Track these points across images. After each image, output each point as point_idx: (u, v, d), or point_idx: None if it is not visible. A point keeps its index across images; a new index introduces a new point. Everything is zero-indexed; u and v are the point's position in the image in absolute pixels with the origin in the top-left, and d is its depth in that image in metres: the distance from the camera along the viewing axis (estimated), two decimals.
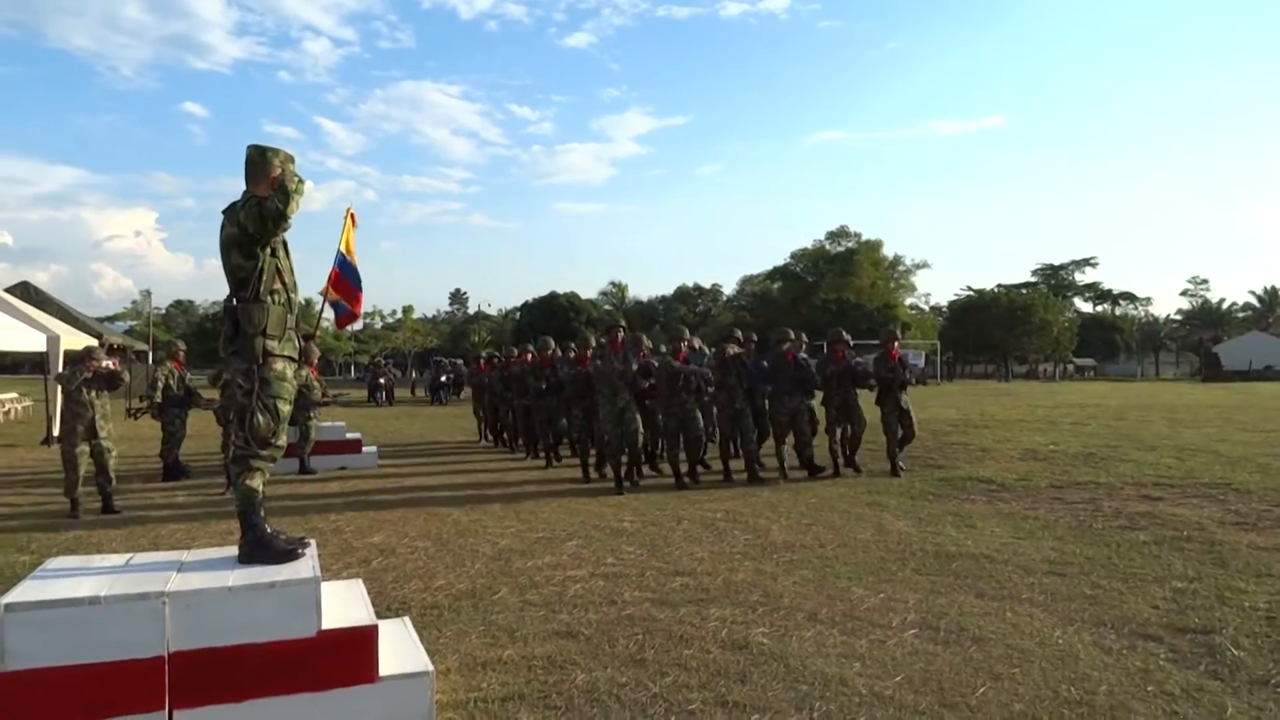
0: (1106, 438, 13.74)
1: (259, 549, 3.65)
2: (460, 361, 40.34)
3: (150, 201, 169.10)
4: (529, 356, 13.37)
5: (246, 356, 3.77)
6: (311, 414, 11.71)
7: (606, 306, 75.18)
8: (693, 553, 6.58)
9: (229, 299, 3.83)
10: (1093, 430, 15.07)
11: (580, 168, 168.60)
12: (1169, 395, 30.64)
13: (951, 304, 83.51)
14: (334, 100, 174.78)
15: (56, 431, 16.27)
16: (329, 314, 9.68)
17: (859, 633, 4.62)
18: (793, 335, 11.19)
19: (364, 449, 12.77)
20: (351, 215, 9.09)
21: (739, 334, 11.31)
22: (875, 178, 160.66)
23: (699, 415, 10.26)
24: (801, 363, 10.84)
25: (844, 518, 7.96)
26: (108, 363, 8.81)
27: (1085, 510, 8.10)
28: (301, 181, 3.83)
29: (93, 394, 8.63)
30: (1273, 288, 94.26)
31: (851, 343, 11.41)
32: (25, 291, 21.75)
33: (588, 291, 74.68)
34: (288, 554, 3.64)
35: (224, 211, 3.84)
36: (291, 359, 3.93)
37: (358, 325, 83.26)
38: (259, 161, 3.85)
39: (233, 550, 3.79)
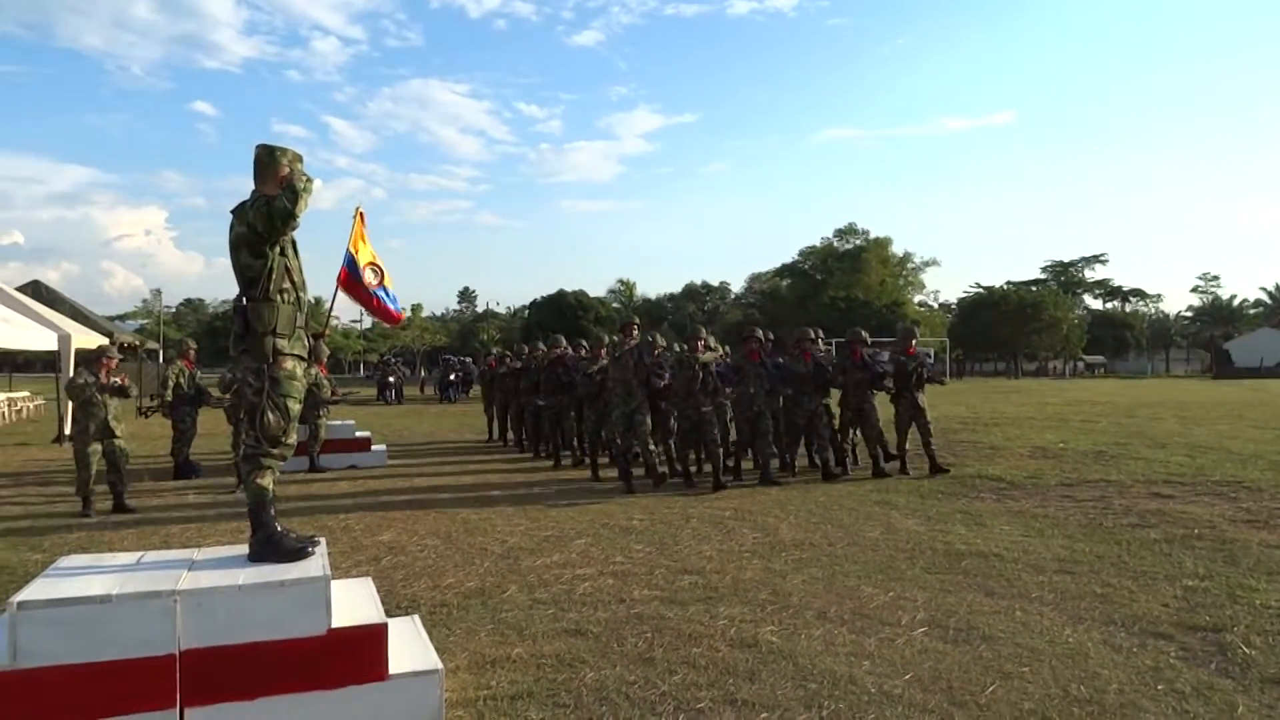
0: (1117, 435, 13.69)
1: (269, 547, 3.66)
2: (469, 360, 40.40)
3: (160, 200, 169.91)
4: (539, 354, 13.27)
5: (257, 355, 3.79)
6: (321, 412, 11.75)
7: (615, 304, 75.08)
8: (701, 551, 6.58)
9: (239, 298, 3.84)
10: (1103, 428, 15.02)
11: (588, 166, 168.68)
12: (1179, 392, 30.51)
13: (960, 301, 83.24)
14: (342, 99, 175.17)
15: (68, 430, 16.39)
16: (336, 310, 9.69)
17: (868, 631, 4.62)
18: (812, 334, 11.05)
19: (373, 447, 12.79)
20: (361, 215, 9.11)
21: (760, 333, 11.02)
22: (884, 175, 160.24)
23: (715, 420, 10.02)
24: (820, 362, 10.69)
25: (853, 516, 7.95)
26: (116, 379, 8.82)
27: (1095, 508, 8.08)
28: (310, 180, 3.84)
29: (105, 394, 8.69)
30: None
31: (870, 341, 11.26)
32: (36, 290, 21.76)
33: (596, 289, 74.61)
34: (298, 552, 3.65)
35: (233, 211, 3.86)
36: (301, 357, 3.94)
37: (364, 322, 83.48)
38: (267, 161, 3.86)
39: (243, 549, 3.81)
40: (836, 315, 53.62)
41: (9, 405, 21.64)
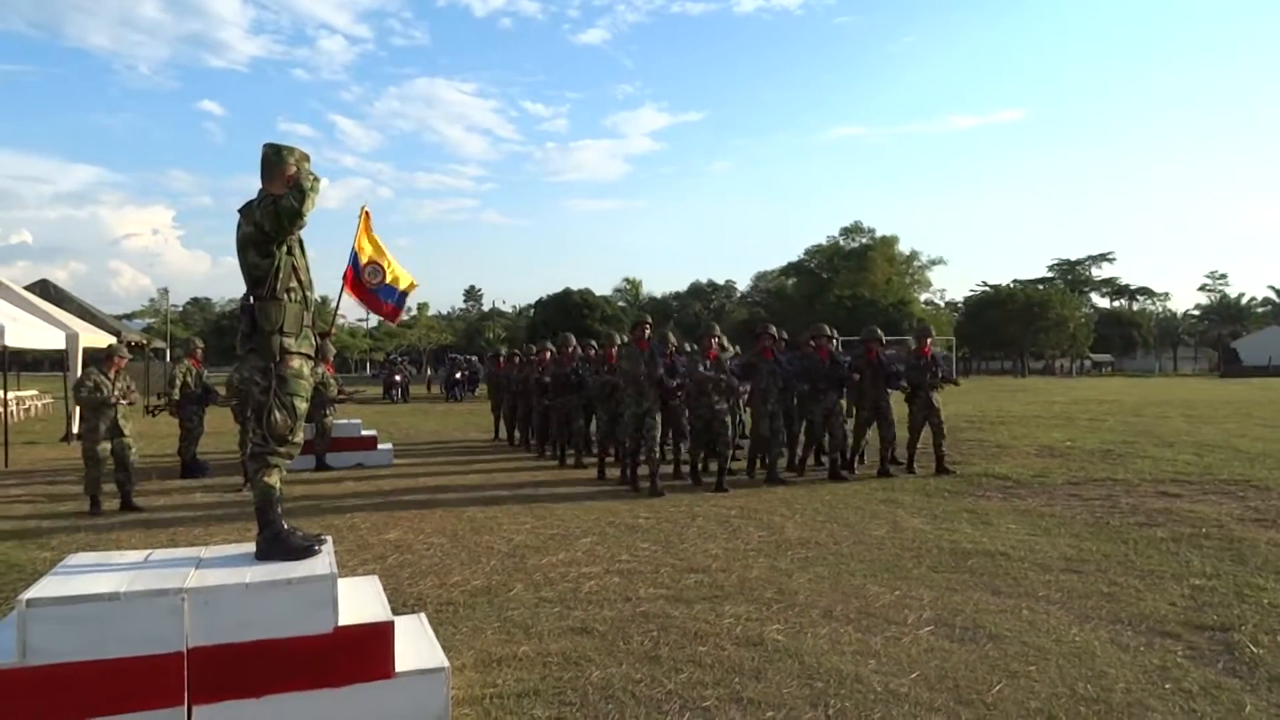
0: (1124, 434, 13.66)
1: (276, 546, 3.67)
2: (475, 359, 40.43)
3: (167, 199, 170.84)
4: (547, 355, 13.17)
5: (264, 354, 3.80)
6: (328, 411, 11.76)
7: (620, 303, 75.16)
8: (707, 549, 6.58)
9: (246, 297, 3.85)
10: (1110, 426, 14.99)
11: (593, 164, 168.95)
12: (1187, 391, 30.42)
13: (967, 300, 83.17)
14: (349, 98, 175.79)
15: (76, 429, 16.44)
16: (342, 309, 9.71)
17: (874, 630, 4.61)
18: (828, 331, 10.90)
19: (379, 446, 12.82)
20: (366, 214, 9.12)
21: (773, 330, 10.78)
22: (890, 173, 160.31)
23: (728, 420, 9.89)
24: (837, 359, 10.56)
25: (859, 515, 7.94)
26: (120, 388, 8.82)
27: (1102, 507, 8.06)
28: (317, 180, 3.84)
29: (116, 393, 8.72)
30: None
31: (885, 340, 11.14)
32: (44, 289, 21.83)
33: (602, 288, 74.75)
34: (305, 551, 3.66)
35: (240, 210, 3.87)
36: (308, 356, 3.95)
37: (371, 321, 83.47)
38: (274, 160, 3.87)
39: (250, 547, 3.82)
40: (843, 314, 53.55)
41: (17, 404, 21.70)
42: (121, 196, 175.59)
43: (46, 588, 3.23)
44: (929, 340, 10.99)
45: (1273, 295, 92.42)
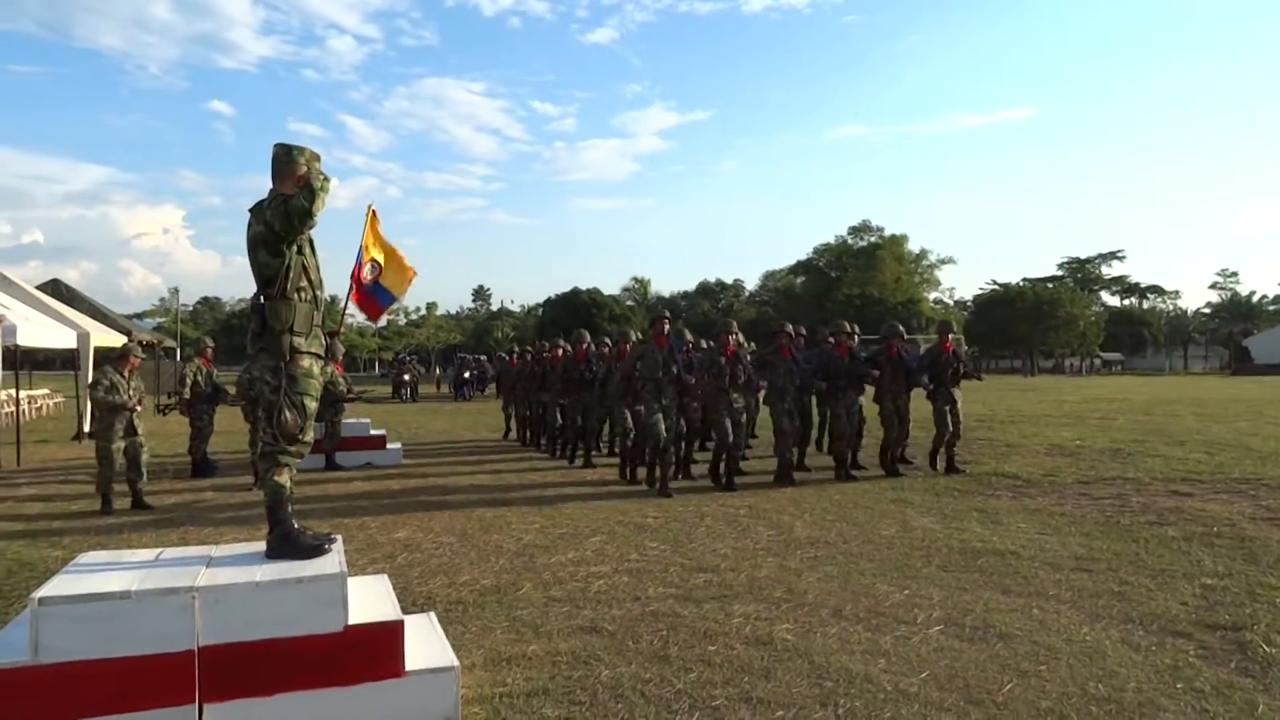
0: (1134, 433, 13.62)
1: (286, 544, 3.68)
2: (484, 358, 40.47)
3: (178, 199, 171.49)
4: (560, 353, 13.00)
5: (274, 353, 3.81)
6: (338, 410, 11.78)
7: (629, 302, 75.16)
8: (716, 549, 6.57)
9: (256, 296, 3.85)
10: (1120, 425, 14.94)
11: (601, 164, 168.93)
12: (1197, 389, 30.30)
13: (976, 298, 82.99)
14: (358, 98, 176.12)
15: (88, 427, 16.50)
16: (350, 308, 9.75)
17: (884, 629, 4.60)
18: (848, 327, 10.77)
19: (389, 445, 12.83)
20: (373, 212, 9.13)
21: (789, 327, 10.56)
22: (898, 172, 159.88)
23: (743, 419, 9.74)
24: (856, 356, 10.45)
25: (868, 514, 7.93)
26: (134, 388, 8.86)
27: (1113, 506, 8.03)
28: (327, 179, 3.85)
29: (131, 391, 8.76)
30: None
31: (905, 336, 10.94)
32: (56, 289, 21.92)
33: (610, 287, 74.65)
34: (314, 549, 3.67)
35: (251, 210, 3.87)
36: (318, 356, 3.96)
37: (380, 320, 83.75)
38: (285, 160, 3.87)
39: (260, 546, 3.83)
40: (852, 313, 53.39)
41: (29, 403, 21.80)
42: (132, 196, 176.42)
43: (58, 586, 3.24)
44: (950, 335, 10.74)
45: None
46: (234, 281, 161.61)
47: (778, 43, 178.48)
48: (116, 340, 17.76)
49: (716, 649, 4.30)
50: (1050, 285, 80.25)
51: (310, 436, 3.94)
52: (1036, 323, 69.85)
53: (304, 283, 3.88)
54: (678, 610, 4.96)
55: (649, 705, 3.64)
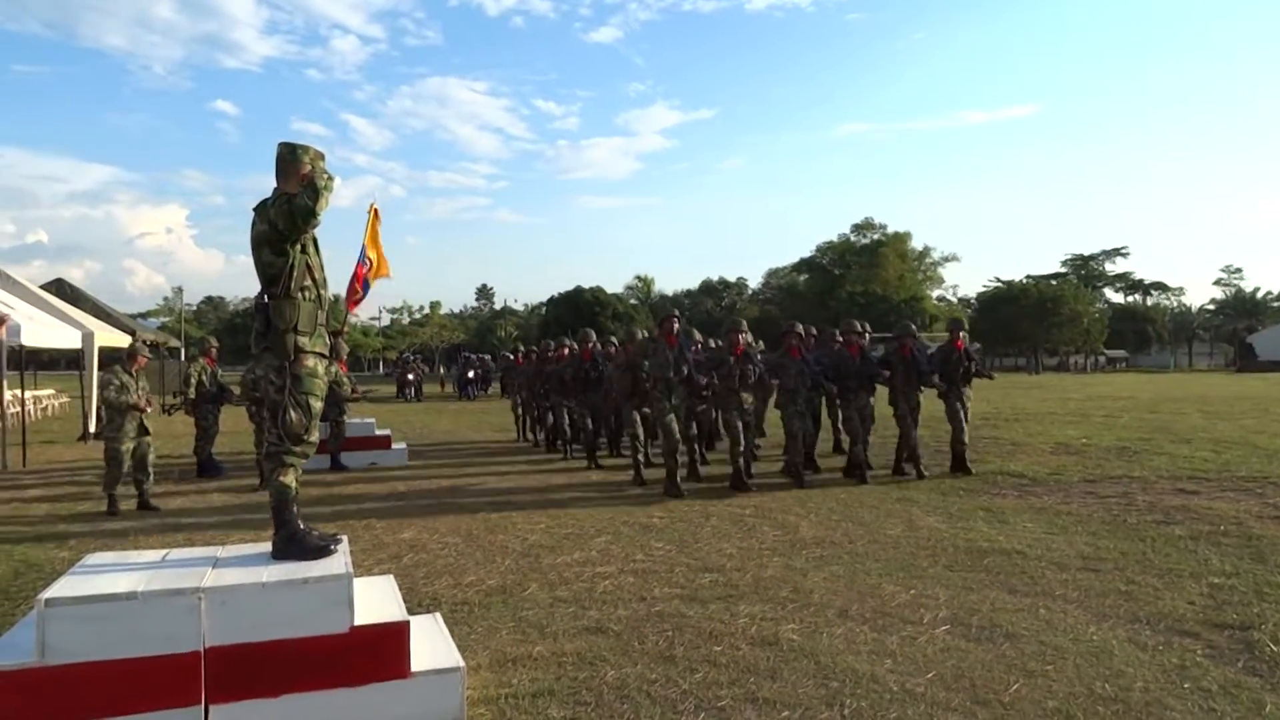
0: (1140, 430, 13.58)
1: (292, 545, 3.68)
2: (488, 357, 40.49)
3: (181, 199, 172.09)
4: (565, 352, 12.75)
5: (278, 353, 3.81)
6: (342, 410, 11.78)
7: (632, 301, 75.18)
8: (722, 549, 6.57)
9: (260, 295, 3.86)
10: (1125, 423, 14.91)
11: (605, 162, 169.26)
12: (1203, 386, 30.24)
13: (980, 296, 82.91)
14: (362, 97, 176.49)
15: (93, 428, 16.52)
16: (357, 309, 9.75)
17: (890, 629, 4.59)
18: (859, 327, 10.54)
19: (393, 445, 12.84)
20: (375, 211, 9.14)
21: (799, 327, 10.35)
22: (901, 169, 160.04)
23: (752, 419, 9.53)
24: (868, 356, 10.25)
25: (873, 513, 7.91)
26: (143, 389, 8.86)
27: (1119, 505, 8.01)
28: (331, 178, 3.85)
29: (141, 391, 8.79)
30: None
31: (918, 335, 10.70)
32: (60, 288, 21.96)
33: (613, 286, 74.72)
34: (320, 550, 3.67)
35: (255, 209, 3.87)
36: (322, 355, 3.96)
37: (383, 319, 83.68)
38: (289, 159, 3.87)
39: (266, 546, 3.83)
40: (855, 311, 53.42)
41: (34, 403, 21.84)
42: (136, 196, 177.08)
43: (65, 587, 3.25)
44: (962, 333, 10.55)
45: None
46: (238, 281, 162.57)
47: (781, 41, 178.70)
48: (121, 340, 17.80)
49: (722, 649, 4.29)
50: (1054, 282, 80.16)
51: (315, 437, 3.94)
52: (1040, 320, 69.74)
53: (308, 282, 3.88)
54: (683, 611, 4.96)
55: (654, 706, 3.63)
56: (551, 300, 66.96)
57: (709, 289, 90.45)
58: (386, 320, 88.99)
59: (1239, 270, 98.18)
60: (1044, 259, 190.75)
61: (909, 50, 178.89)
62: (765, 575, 5.73)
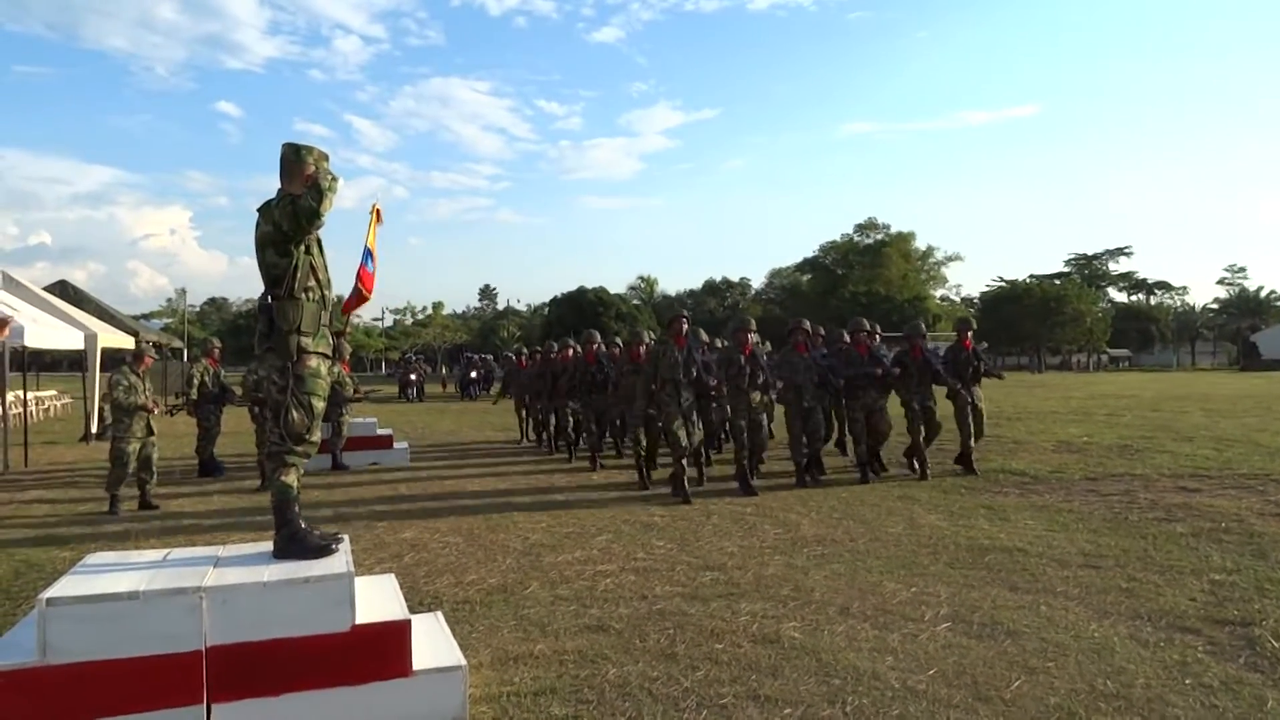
0: (1142, 429, 13.58)
1: (293, 544, 3.69)
2: (490, 357, 40.52)
3: (184, 200, 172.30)
4: (570, 353, 12.55)
5: (281, 353, 3.81)
6: (344, 410, 11.79)
7: (635, 301, 75.15)
8: (723, 547, 6.57)
9: (264, 296, 3.86)
10: (1128, 421, 14.90)
11: (607, 163, 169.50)
12: (1206, 385, 30.21)
13: (983, 295, 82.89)
14: (364, 98, 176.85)
15: (95, 428, 16.55)
16: (360, 310, 9.75)
17: (891, 627, 4.59)
18: (868, 325, 10.39)
19: (395, 445, 12.85)
20: (377, 210, 9.14)
21: (806, 324, 10.14)
22: (904, 169, 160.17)
23: (764, 418, 9.38)
24: (877, 355, 10.07)
25: (875, 511, 7.91)
26: (142, 397, 8.86)
27: (1120, 502, 8.01)
28: (335, 179, 3.85)
29: (148, 392, 8.81)
30: None
31: (926, 333, 10.44)
32: (63, 290, 21.97)
33: (616, 286, 74.81)
34: (322, 549, 3.67)
35: (259, 210, 3.88)
36: (326, 356, 3.96)
37: (386, 320, 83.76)
38: (293, 159, 3.88)
39: (268, 546, 3.84)
40: (858, 310, 53.27)
41: (36, 404, 21.86)
42: (139, 197, 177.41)
43: (66, 587, 3.25)
44: (970, 333, 10.35)
45: None
46: (241, 282, 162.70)
47: (784, 41, 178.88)
48: (124, 341, 17.82)
49: (724, 647, 4.30)
50: (1057, 282, 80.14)
51: (317, 437, 3.94)
52: (1043, 319, 69.70)
53: (312, 282, 3.89)
54: (685, 609, 4.96)
55: (656, 704, 3.64)
56: (554, 301, 66.89)
57: (712, 289, 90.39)
58: (389, 321, 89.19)
59: (1243, 269, 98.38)
60: (1047, 258, 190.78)
61: (911, 50, 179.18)
62: (766, 573, 5.73)
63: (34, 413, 20.59)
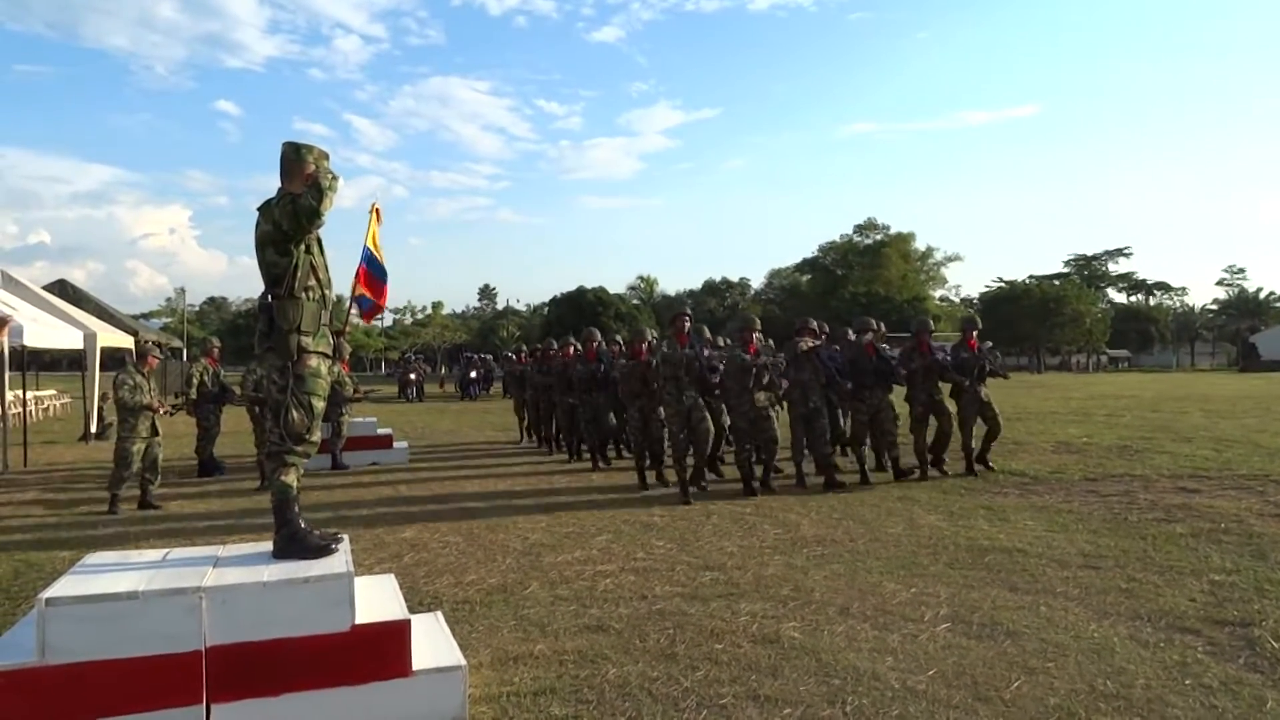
0: (1141, 430, 13.58)
1: (293, 544, 3.68)
2: (490, 357, 40.51)
3: (184, 199, 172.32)
4: (570, 351, 12.41)
5: (281, 353, 3.81)
6: (344, 410, 11.78)
7: (635, 301, 75.17)
8: (722, 547, 6.57)
9: (264, 295, 3.86)
10: (1127, 422, 14.91)
11: (608, 162, 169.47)
12: (1205, 386, 30.21)
13: (982, 295, 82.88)
14: (364, 97, 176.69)
15: (94, 428, 16.54)
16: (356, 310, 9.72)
17: (891, 627, 4.59)
18: (874, 324, 10.24)
19: (395, 445, 12.85)
20: (377, 210, 9.13)
21: (814, 324, 9.90)
22: (904, 169, 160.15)
23: (773, 415, 9.17)
24: (883, 355, 9.89)
25: (874, 512, 7.91)
26: (147, 397, 8.86)
27: (1120, 503, 8.00)
28: (335, 178, 3.84)
29: (153, 391, 8.82)
30: None
31: (934, 331, 10.27)
32: (63, 289, 22.01)
33: (616, 286, 74.79)
34: (321, 549, 3.67)
35: (259, 209, 3.88)
36: (326, 355, 3.96)
37: (386, 320, 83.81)
38: (294, 158, 3.87)
39: (267, 546, 3.83)
40: (858, 310, 53.31)
41: (36, 404, 21.85)
42: (139, 196, 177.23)
43: (65, 587, 3.25)
44: (975, 332, 10.16)
45: None
46: (240, 281, 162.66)
47: (783, 40, 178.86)
48: (123, 341, 17.81)
49: (723, 647, 4.29)
50: (1057, 282, 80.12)
51: (317, 436, 3.94)
52: (1043, 320, 69.73)
53: (312, 282, 3.89)
54: (684, 609, 4.96)
55: (656, 704, 3.63)
56: (554, 300, 66.93)
57: (711, 289, 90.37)
58: (389, 320, 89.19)
59: (1242, 270, 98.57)
60: (1047, 259, 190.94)
61: (911, 50, 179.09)
62: (766, 573, 5.72)
63: (33, 412, 20.59)
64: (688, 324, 9.09)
